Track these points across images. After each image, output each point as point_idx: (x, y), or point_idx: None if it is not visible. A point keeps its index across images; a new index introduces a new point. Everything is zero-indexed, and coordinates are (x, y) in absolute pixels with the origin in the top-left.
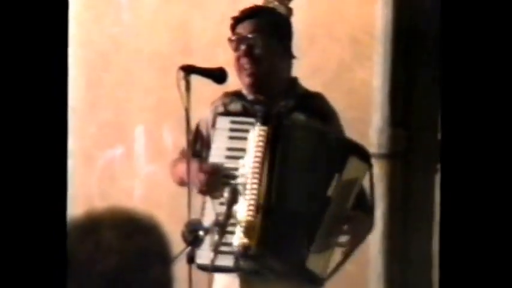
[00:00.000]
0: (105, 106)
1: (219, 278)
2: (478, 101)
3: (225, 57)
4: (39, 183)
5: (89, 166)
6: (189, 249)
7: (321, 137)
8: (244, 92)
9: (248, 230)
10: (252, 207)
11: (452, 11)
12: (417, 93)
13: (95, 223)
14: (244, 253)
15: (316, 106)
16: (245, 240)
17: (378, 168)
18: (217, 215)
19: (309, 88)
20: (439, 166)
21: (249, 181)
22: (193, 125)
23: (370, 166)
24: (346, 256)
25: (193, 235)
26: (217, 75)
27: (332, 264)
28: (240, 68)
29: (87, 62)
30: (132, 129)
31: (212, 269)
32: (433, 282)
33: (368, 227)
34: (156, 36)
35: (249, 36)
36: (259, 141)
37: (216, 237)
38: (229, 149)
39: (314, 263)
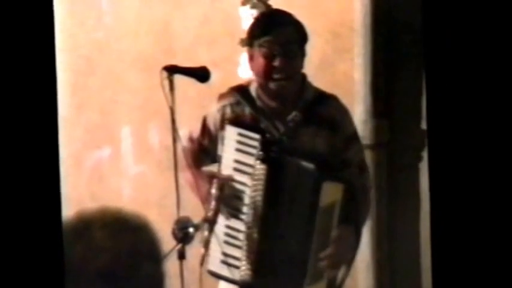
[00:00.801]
0: (91, 108)
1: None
2: (462, 90)
3: (207, 56)
4: (32, 188)
5: (78, 168)
6: (180, 246)
7: (306, 172)
8: (253, 91)
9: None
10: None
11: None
12: (399, 84)
13: (86, 224)
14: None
15: (325, 114)
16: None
17: None
18: (207, 211)
19: None
20: (422, 154)
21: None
22: (178, 124)
23: (344, 183)
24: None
25: (183, 232)
26: (200, 74)
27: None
28: (267, 74)
29: (72, 66)
30: (118, 130)
31: (217, 276)
32: (421, 267)
33: (352, 241)
34: (138, 39)
35: (290, 44)
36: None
37: (206, 233)
38: (237, 162)
39: None
